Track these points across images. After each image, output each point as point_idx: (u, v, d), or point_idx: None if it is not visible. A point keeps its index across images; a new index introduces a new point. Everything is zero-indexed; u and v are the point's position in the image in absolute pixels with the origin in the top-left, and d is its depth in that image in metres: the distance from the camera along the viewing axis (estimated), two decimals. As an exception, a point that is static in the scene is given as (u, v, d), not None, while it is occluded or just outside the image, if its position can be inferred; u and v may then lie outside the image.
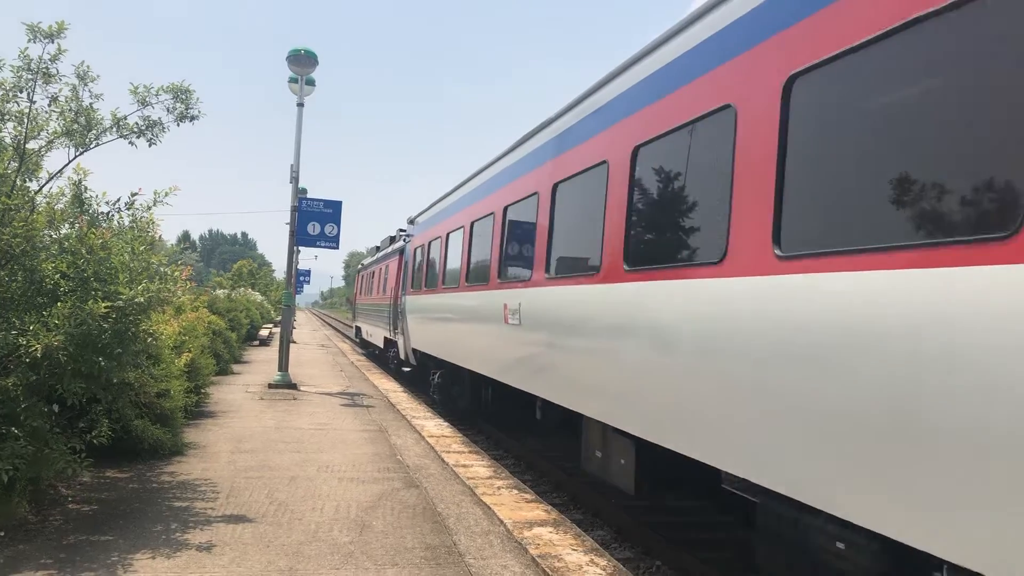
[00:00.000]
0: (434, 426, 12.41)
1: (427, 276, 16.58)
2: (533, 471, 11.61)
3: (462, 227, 13.29)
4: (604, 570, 5.83)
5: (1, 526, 6.02)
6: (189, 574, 5.33)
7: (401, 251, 22.12)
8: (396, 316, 21.15)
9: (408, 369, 20.27)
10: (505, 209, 10.63)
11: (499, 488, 8.28)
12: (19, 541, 5.87)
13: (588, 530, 8.25)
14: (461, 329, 12.91)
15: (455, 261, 13.72)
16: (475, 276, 12.08)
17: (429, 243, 16.78)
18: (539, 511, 7.45)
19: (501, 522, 6.99)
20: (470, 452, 10.37)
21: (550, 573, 5.68)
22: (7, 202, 6.17)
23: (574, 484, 10.21)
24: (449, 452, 10.21)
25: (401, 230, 24.16)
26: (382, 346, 25.49)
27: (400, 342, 20.23)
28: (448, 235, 14.62)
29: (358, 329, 37.23)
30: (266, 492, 7.67)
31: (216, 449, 9.67)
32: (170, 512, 6.80)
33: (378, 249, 31.99)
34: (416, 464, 9.39)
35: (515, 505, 7.59)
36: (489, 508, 7.44)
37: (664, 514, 8.99)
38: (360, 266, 41.44)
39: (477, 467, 9.36)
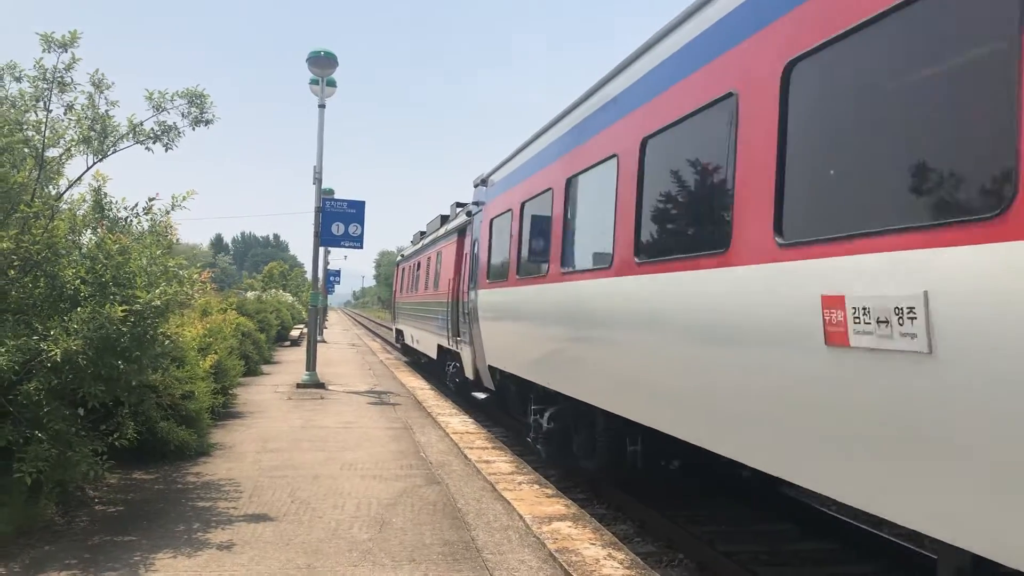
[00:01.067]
0: (459, 423, 12.45)
1: (520, 258, 11.02)
2: (557, 467, 11.59)
3: (612, 157, 7.59)
4: (622, 564, 5.82)
5: (28, 527, 6.14)
6: (209, 573, 5.41)
7: (461, 231, 17.03)
8: (457, 319, 16.06)
9: (482, 396, 14.10)
10: (787, 71, 4.85)
11: (520, 484, 8.29)
12: (45, 542, 5.99)
13: (609, 524, 8.23)
14: (620, 348, 7.43)
15: (595, 224, 8.17)
16: (672, 244, 6.65)
17: (522, 206, 11.08)
18: (559, 506, 7.45)
19: (520, 517, 7.00)
20: (493, 448, 10.40)
21: (567, 567, 5.67)
22: (26, 210, 6.28)
23: (597, 479, 10.18)
24: (472, 448, 10.23)
25: (458, 204, 18.89)
26: (434, 356, 20.19)
27: (466, 355, 14.99)
28: (570, 182, 9.03)
29: (399, 333, 30.86)
30: (289, 491, 7.75)
31: (242, 449, 9.79)
32: (193, 512, 6.90)
33: (423, 235, 26.22)
34: (439, 461, 9.43)
35: (535, 500, 7.60)
36: (509, 503, 7.45)
37: (687, 508, 8.96)
38: (400, 257, 34.89)
39: (500, 463, 9.38)
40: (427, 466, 9.11)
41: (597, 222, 8.09)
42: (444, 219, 21.42)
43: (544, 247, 9.97)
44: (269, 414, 12.85)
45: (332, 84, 17.38)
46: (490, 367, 12.95)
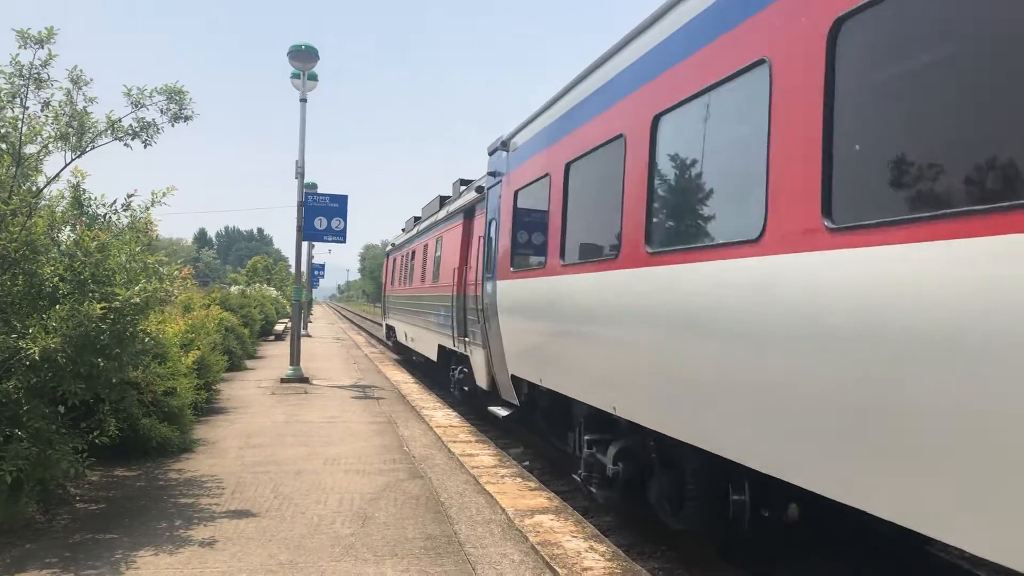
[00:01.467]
0: (443, 416, 12.48)
1: (566, 239, 8.32)
2: (542, 459, 11.65)
3: (758, 65, 4.96)
4: (603, 556, 5.87)
5: (8, 526, 6.12)
6: (190, 570, 5.41)
7: (469, 212, 14.66)
8: (464, 316, 13.83)
9: (504, 413, 11.30)
10: None
11: (503, 477, 8.33)
12: (26, 540, 5.97)
13: (592, 516, 8.28)
14: (779, 367, 4.64)
15: (715, 178, 5.67)
16: (924, 197, 3.77)
17: (568, 168, 8.28)
18: (542, 499, 7.49)
19: (503, 511, 7.04)
20: (477, 441, 10.43)
21: (549, 560, 5.71)
22: (3, 207, 6.24)
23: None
24: (456, 442, 10.26)
25: (462, 181, 16.65)
26: (434, 358, 17.74)
27: (477, 360, 12.65)
28: (658, 123, 6.30)
29: (390, 329, 28.04)
30: (271, 487, 7.75)
31: (225, 445, 9.77)
32: (175, 509, 6.89)
33: (417, 220, 23.46)
34: (422, 455, 9.45)
35: (518, 493, 7.64)
36: (492, 497, 7.49)
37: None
38: (391, 247, 31.25)
39: (483, 456, 9.42)
40: (410, 460, 9.13)
41: (721, 175, 5.56)
42: (444, 200, 18.88)
43: (612, 221, 7.00)
44: (252, 409, 12.83)
45: (314, 78, 17.31)
46: (514, 377, 10.34)
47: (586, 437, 8.01)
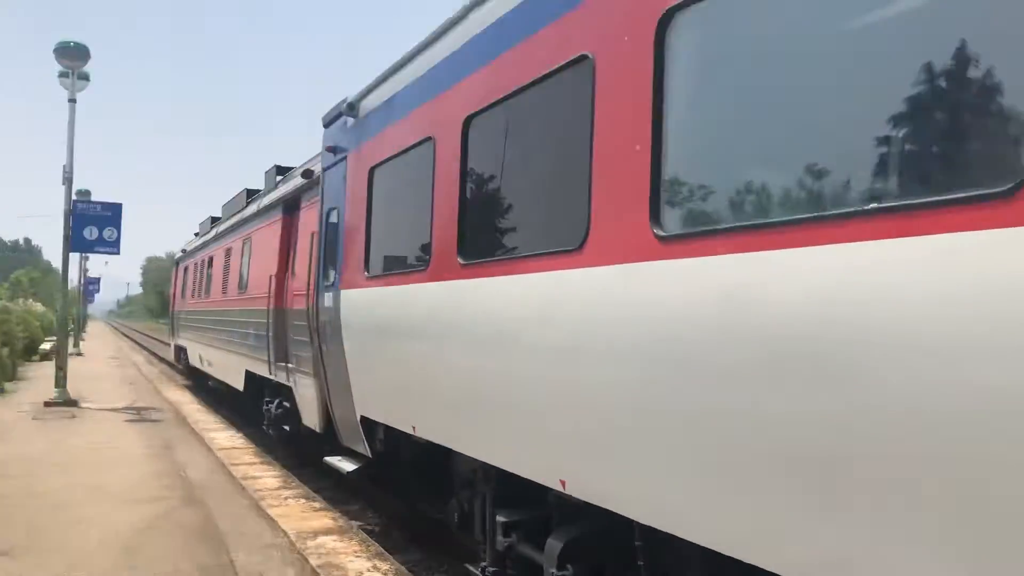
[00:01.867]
0: (226, 438, 11.97)
1: (468, 226, 5.57)
2: (328, 478, 11.39)
3: None
4: (385, 574, 5.83)
5: None
6: (-82, 621, 4.84)
7: (291, 205, 11.94)
8: (286, 336, 11.08)
9: (350, 467, 8.13)
10: None
11: (287, 499, 8.10)
12: None
13: (381, 535, 8.19)
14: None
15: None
16: None
17: (468, 122, 5.56)
18: (326, 519, 7.35)
19: (285, 534, 6.84)
20: (262, 463, 10.09)
21: (329, 582, 5.60)
22: None
23: (370, 489, 10.10)
24: (239, 464, 9.86)
25: (279, 170, 13.94)
26: (241, 387, 14.55)
27: (306, 391, 9.98)
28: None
29: (181, 351, 23.59)
30: (25, 522, 7.08)
31: (-28, 478, 8.83)
32: (-96, 553, 6.13)
33: (215, 221, 19.88)
34: (201, 480, 8.99)
35: (301, 515, 7.44)
36: (273, 520, 7.26)
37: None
38: (181, 253, 26.32)
39: (267, 478, 9.11)
40: (187, 486, 8.65)
41: (818, 99, 3.10)
42: (253, 194, 15.64)
43: (569, 195, 4.40)
44: (9, 436, 11.69)
45: (85, 77, 16.15)
46: (364, 419, 7.54)
47: (501, 518, 5.48)
